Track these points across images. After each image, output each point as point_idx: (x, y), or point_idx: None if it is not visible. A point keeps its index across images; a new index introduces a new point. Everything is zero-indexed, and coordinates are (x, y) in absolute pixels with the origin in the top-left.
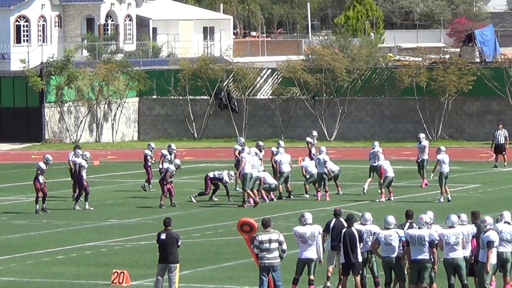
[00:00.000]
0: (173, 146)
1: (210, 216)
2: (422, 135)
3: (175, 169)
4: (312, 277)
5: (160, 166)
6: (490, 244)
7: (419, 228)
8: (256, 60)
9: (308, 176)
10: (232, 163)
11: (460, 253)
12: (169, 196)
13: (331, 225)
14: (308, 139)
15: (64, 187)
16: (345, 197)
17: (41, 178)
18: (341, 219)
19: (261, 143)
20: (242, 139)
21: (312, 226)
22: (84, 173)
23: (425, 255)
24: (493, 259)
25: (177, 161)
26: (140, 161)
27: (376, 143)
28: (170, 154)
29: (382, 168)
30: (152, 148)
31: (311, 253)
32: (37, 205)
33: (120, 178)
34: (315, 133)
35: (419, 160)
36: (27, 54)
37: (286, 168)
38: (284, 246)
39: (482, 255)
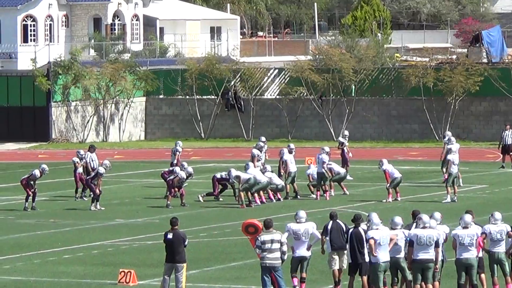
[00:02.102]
0: (186, 165)
1: (217, 216)
2: (448, 133)
3: (185, 177)
4: (304, 274)
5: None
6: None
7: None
8: (263, 60)
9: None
10: (238, 163)
11: (474, 254)
12: (180, 196)
13: (329, 227)
14: (340, 139)
15: (70, 187)
16: (352, 197)
17: (30, 183)
18: (338, 220)
19: (261, 143)
20: (263, 138)
21: (306, 223)
22: (98, 181)
23: (430, 255)
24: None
25: (190, 169)
26: (147, 160)
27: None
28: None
29: (387, 173)
30: (181, 146)
31: (304, 251)
32: (27, 203)
33: (127, 178)
34: (346, 132)
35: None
36: (34, 54)
37: (293, 168)
38: (285, 248)
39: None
